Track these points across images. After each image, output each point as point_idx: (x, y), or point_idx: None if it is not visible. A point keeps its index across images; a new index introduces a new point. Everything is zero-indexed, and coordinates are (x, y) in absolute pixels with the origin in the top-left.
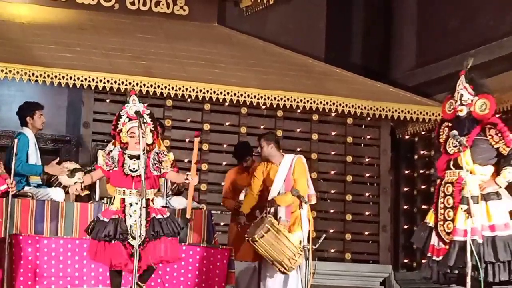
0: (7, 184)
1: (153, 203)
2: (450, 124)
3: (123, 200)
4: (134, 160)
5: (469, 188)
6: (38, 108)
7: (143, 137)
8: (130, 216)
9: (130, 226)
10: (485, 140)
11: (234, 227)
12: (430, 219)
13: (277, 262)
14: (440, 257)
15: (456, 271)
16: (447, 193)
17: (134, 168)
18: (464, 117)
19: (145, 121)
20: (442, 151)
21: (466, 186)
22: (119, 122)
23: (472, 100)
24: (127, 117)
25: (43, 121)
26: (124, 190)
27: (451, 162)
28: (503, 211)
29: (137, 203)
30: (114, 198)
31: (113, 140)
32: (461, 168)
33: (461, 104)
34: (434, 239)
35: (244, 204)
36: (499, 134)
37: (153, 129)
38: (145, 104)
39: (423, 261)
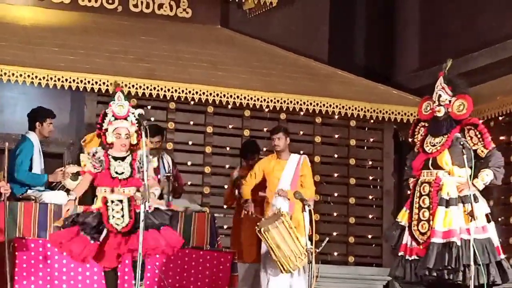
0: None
1: (136, 201)
2: (426, 124)
3: (105, 198)
4: (119, 162)
5: (450, 189)
6: (50, 116)
7: (146, 141)
8: (113, 216)
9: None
10: (464, 140)
11: (237, 227)
12: (402, 218)
13: (283, 258)
14: (413, 257)
15: (435, 274)
16: (423, 193)
17: (119, 171)
18: (442, 118)
19: (142, 123)
20: (419, 149)
21: (444, 188)
22: (104, 121)
23: (450, 101)
24: (113, 115)
25: (51, 129)
26: (107, 189)
27: (429, 162)
28: (480, 214)
29: (120, 200)
30: (97, 198)
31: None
32: (439, 168)
33: (439, 105)
34: (406, 238)
35: (244, 192)
36: (479, 136)
37: (137, 129)
38: (141, 106)
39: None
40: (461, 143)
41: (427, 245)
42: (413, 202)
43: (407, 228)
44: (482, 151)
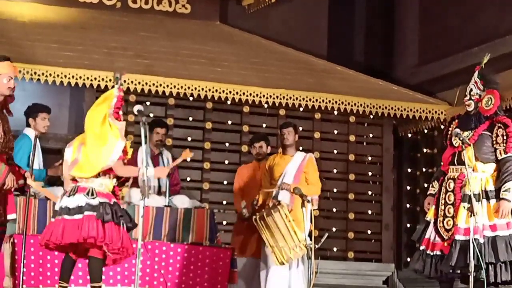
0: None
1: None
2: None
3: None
4: None
5: (473, 185)
6: (42, 111)
7: (145, 136)
8: None
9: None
10: (490, 136)
11: (240, 224)
12: (430, 214)
13: (277, 249)
14: (436, 252)
15: (458, 271)
16: (449, 189)
17: None
18: (472, 112)
19: (141, 119)
20: (447, 143)
21: (467, 184)
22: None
23: (480, 96)
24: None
25: (46, 124)
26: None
27: (456, 157)
28: (506, 209)
29: None
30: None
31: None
32: (463, 164)
33: (470, 99)
34: (430, 233)
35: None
36: (505, 137)
37: None
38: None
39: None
40: (461, 138)
41: (451, 242)
42: (439, 198)
43: (432, 223)
44: (501, 153)
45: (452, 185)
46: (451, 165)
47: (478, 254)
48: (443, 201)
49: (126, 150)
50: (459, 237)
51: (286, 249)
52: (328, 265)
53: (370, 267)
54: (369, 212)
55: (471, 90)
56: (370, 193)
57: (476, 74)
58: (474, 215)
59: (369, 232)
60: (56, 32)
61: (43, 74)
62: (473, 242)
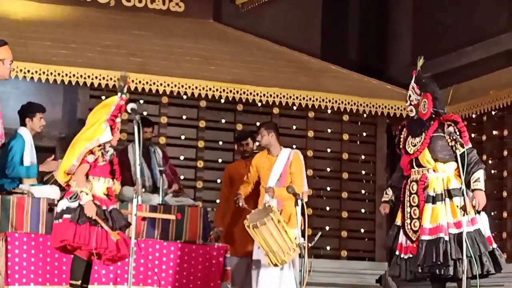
0: None
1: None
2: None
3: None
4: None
5: (435, 185)
6: (39, 111)
7: (138, 135)
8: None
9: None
10: (442, 136)
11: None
12: (398, 219)
13: (272, 253)
14: (408, 255)
15: (427, 270)
16: (412, 191)
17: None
18: (416, 117)
19: (134, 118)
20: (402, 151)
21: (430, 185)
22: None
23: (418, 100)
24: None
25: (42, 124)
26: (109, 180)
27: (413, 162)
28: (469, 206)
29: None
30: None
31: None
32: (423, 166)
33: (410, 105)
34: (401, 238)
35: (240, 189)
36: (458, 133)
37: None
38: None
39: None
40: (454, 137)
41: (418, 243)
42: (404, 202)
43: (401, 227)
44: (458, 149)
45: (415, 187)
46: (412, 168)
47: (443, 253)
48: (408, 204)
49: (97, 156)
50: (425, 237)
51: (280, 254)
52: (321, 264)
53: (363, 265)
54: (362, 210)
55: (410, 96)
56: (363, 191)
57: (413, 79)
58: (467, 213)
59: (362, 230)
60: (50, 30)
61: (36, 72)
62: (465, 238)
